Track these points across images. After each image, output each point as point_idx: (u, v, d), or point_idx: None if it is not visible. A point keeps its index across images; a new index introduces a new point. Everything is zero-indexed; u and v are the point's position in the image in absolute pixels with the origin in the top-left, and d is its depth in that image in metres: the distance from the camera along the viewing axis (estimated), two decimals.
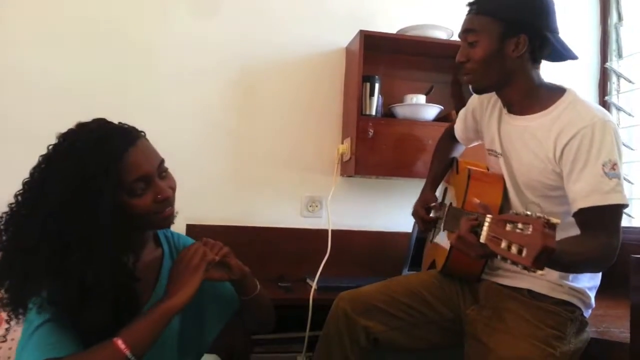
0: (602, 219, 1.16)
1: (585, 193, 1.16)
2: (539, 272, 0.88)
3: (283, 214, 2.16)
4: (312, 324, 1.75)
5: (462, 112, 1.60)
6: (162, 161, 1.05)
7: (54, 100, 1.98)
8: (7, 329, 1.45)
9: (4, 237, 0.96)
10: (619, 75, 2.40)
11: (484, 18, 1.25)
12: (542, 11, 1.26)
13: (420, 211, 1.55)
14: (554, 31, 1.29)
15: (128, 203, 0.98)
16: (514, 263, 0.90)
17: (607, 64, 2.43)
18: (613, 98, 2.40)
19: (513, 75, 1.28)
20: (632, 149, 2.27)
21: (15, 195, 0.98)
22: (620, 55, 2.42)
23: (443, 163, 1.66)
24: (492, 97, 1.42)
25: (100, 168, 0.93)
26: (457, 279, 1.43)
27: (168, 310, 0.99)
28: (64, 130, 1.05)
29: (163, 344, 1.07)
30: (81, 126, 1.02)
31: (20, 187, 0.98)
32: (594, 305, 1.33)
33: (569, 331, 1.25)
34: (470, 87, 1.36)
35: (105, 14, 2.05)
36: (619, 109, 2.37)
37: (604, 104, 2.42)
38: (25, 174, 1.01)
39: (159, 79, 2.08)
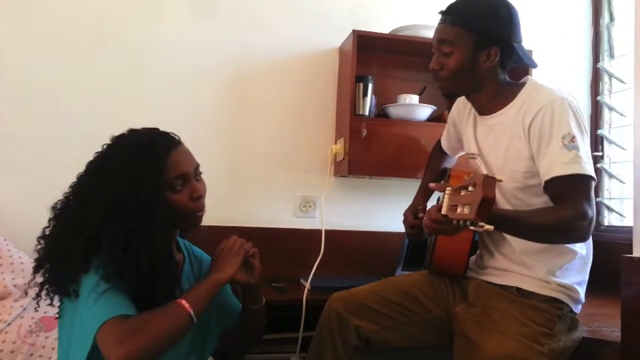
0: (567, 189, 1.20)
1: (549, 166, 1.22)
2: (486, 226, 0.93)
3: (276, 214, 2.16)
4: (305, 324, 1.75)
5: (446, 124, 1.65)
6: (198, 165, 1.19)
7: (48, 101, 1.97)
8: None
9: (56, 222, 1.10)
10: (610, 75, 2.41)
11: (459, 29, 1.30)
12: (511, 23, 1.32)
13: (409, 217, 1.56)
14: (520, 41, 1.35)
15: (169, 198, 1.10)
16: (464, 222, 0.96)
17: (599, 64, 2.44)
18: (605, 98, 2.41)
19: (483, 82, 1.35)
20: (623, 149, 2.29)
21: (72, 187, 1.12)
22: (612, 56, 2.43)
23: (434, 173, 1.68)
24: (467, 104, 1.46)
25: (149, 166, 1.07)
26: (447, 278, 1.44)
27: (218, 281, 1.12)
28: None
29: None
30: (132, 131, 1.17)
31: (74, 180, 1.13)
32: (583, 300, 1.35)
33: (557, 328, 1.26)
34: (441, 92, 1.42)
35: (98, 15, 2.04)
36: (610, 108, 2.39)
37: (596, 103, 2.43)
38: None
39: (153, 79, 2.07)
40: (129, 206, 1.04)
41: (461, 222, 0.97)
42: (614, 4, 2.43)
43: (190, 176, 1.15)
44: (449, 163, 1.72)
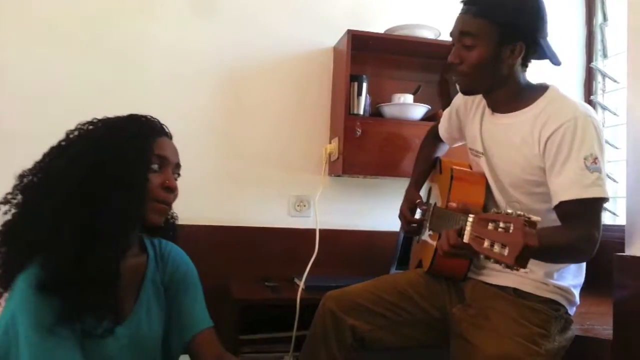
0: (582, 211, 1.17)
1: (566, 186, 1.18)
2: (522, 270, 0.89)
3: (271, 213, 2.16)
4: (299, 323, 1.74)
5: (446, 111, 1.61)
6: (179, 165, 1.13)
7: (42, 101, 1.96)
8: None
9: (20, 197, 1.02)
10: (604, 75, 2.42)
11: (483, 21, 1.22)
12: (538, 18, 1.26)
13: (406, 213, 1.55)
14: (546, 36, 1.29)
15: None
16: (497, 262, 0.90)
17: (593, 64, 2.45)
18: (598, 97, 2.42)
19: (503, 80, 1.29)
20: (617, 148, 2.30)
21: (38, 163, 1.06)
22: (605, 55, 2.44)
23: (427, 162, 1.66)
24: (477, 97, 1.42)
25: (137, 138, 1.04)
26: (443, 278, 1.43)
27: None
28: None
29: (145, 348, 1.08)
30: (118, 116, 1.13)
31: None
32: (578, 302, 1.35)
33: (553, 329, 1.26)
34: (458, 87, 1.35)
35: (91, 14, 2.03)
36: (604, 108, 2.39)
37: (590, 103, 2.44)
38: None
39: (146, 79, 2.06)
40: (108, 176, 0.98)
41: (492, 260, 0.92)
42: (607, 3, 2.44)
43: (170, 165, 1.09)
44: (441, 152, 1.70)
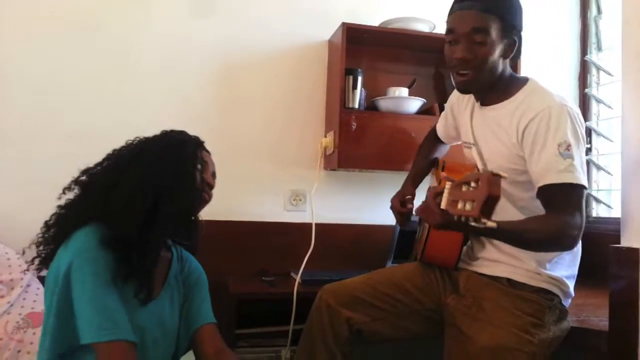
0: (560, 197, 1.19)
1: (542, 172, 1.21)
2: (489, 223, 0.92)
3: (266, 208, 2.15)
4: (296, 317, 1.75)
5: (444, 111, 1.64)
6: (215, 174, 1.34)
7: (33, 95, 1.95)
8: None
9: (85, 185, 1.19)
10: (598, 68, 2.43)
11: (491, 17, 1.24)
12: (521, 14, 1.31)
13: (396, 204, 1.56)
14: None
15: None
16: (467, 219, 0.94)
17: (587, 57, 2.46)
18: (593, 90, 2.43)
19: (497, 75, 1.31)
20: (611, 141, 2.31)
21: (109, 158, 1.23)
22: (599, 48, 2.45)
23: (426, 161, 1.68)
24: None
25: (187, 146, 1.26)
26: (438, 269, 1.45)
27: None
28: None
29: (165, 335, 1.22)
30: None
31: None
32: (573, 294, 1.36)
33: (547, 319, 1.27)
34: (458, 85, 1.33)
35: (84, 8, 2.01)
36: (598, 101, 2.40)
37: (584, 96, 2.45)
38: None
39: (139, 73, 2.05)
40: (162, 168, 1.17)
41: (462, 219, 0.95)
42: None
43: (209, 169, 1.29)
44: (440, 153, 1.72)
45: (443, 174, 1.12)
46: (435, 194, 1.07)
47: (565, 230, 1.17)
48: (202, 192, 1.25)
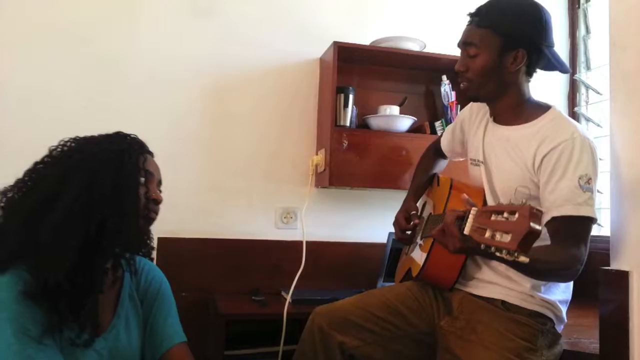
0: (572, 230, 1.19)
1: (559, 203, 1.20)
2: (522, 258, 0.88)
3: (257, 225, 2.14)
4: (286, 337, 1.73)
5: (450, 125, 1.64)
6: (161, 181, 1.17)
7: (20, 106, 1.93)
8: None
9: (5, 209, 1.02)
10: (587, 87, 2.46)
11: (485, 31, 1.29)
12: (540, 26, 1.30)
13: (401, 220, 1.55)
14: (550, 45, 1.33)
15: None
16: (498, 249, 0.90)
17: (576, 76, 2.48)
18: (582, 109, 2.45)
19: (508, 87, 1.33)
20: (600, 159, 2.32)
21: (30, 173, 1.07)
22: (588, 67, 2.47)
23: (426, 175, 1.67)
24: (483, 108, 1.45)
25: (127, 154, 1.07)
26: (431, 290, 1.43)
27: None
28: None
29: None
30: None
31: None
32: (565, 320, 1.35)
33: (540, 343, 1.26)
34: (462, 93, 1.39)
35: (73, 20, 2.00)
36: (587, 119, 2.42)
37: (573, 115, 2.47)
38: None
39: (130, 88, 2.04)
40: (99, 196, 0.99)
41: (493, 249, 0.91)
42: (590, 16, 2.48)
43: (154, 179, 1.13)
44: (439, 168, 1.71)
45: (464, 196, 1.08)
46: (455, 218, 1.05)
47: (570, 263, 1.17)
48: (147, 213, 1.09)
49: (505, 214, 0.90)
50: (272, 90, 2.19)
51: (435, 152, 1.70)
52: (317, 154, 2.15)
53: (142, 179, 1.08)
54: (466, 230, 0.99)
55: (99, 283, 1.01)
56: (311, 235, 2.08)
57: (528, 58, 1.29)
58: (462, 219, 1.03)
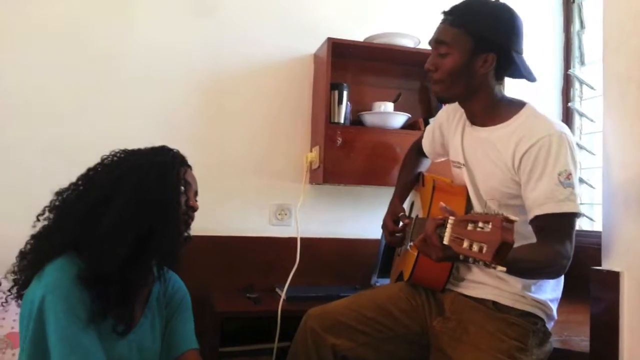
0: (556, 226, 1.20)
1: (541, 201, 1.21)
2: (499, 268, 0.90)
3: (251, 222, 2.14)
4: (281, 334, 1.74)
5: (429, 127, 1.63)
6: (197, 192, 1.29)
7: (14, 105, 1.91)
8: None
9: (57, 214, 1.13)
10: (581, 82, 2.46)
11: (457, 31, 1.28)
12: (512, 32, 1.30)
13: (389, 223, 1.56)
14: (520, 52, 1.33)
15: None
16: (476, 261, 0.92)
17: (570, 71, 2.48)
18: (576, 104, 2.45)
19: (478, 89, 1.32)
20: (593, 154, 2.33)
21: (84, 180, 1.16)
22: (582, 62, 2.47)
23: (410, 176, 1.68)
24: (459, 110, 1.45)
25: (171, 166, 1.19)
26: (423, 291, 1.44)
27: None
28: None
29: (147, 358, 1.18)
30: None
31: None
32: (556, 317, 1.36)
33: (531, 343, 1.28)
34: (433, 94, 1.39)
35: (67, 18, 1.98)
36: (581, 115, 2.43)
37: (567, 110, 2.47)
38: None
39: (123, 85, 2.02)
40: (148, 203, 1.10)
41: (471, 260, 0.93)
42: (585, 11, 2.47)
43: (192, 188, 1.25)
44: (424, 167, 1.72)
45: (442, 204, 1.09)
46: (435, 226, 1.06)
47: (557, 260, 1.18)
48: (187, 219, 1.21)
49: (480, 224, 0.92)
50: (267, 86, 2.17)
51: (418, 152, 1.70)
52: (311, 151, 2.14)
53: (183, 188, 1.20)
54: (445, 240, 1.01)
55: (143, 278, 1.15)
56: (306, 231, 2.09)
57: (497, 62, 1.29)
58: (442, 226, 1.04)
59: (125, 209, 1.08)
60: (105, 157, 1.20)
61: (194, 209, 1.24)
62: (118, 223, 1.07)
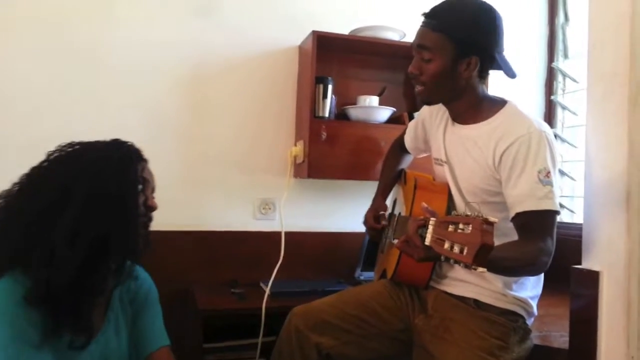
0: (537, 223, 1.22)
1: (521, 198, 1.22)
2: (480, 269, 0.91)
3: (235, 216, 2.13)
4: (265, 329, 1.74)
5: (412, 123, 1.63)
6: (154, 189, 1.19)
7: (8, 101, 1.87)
8: None
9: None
10: (564, 75, 2.47)
11: (440, 36, 1.27)
12: (494, 34, 1.30)
13: (370, 220, 1.56)
14: (502, 51, 1.33)
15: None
16: (457, 262, 0.93)
17: (554, 64, 2.49)
18: (559, 97, 2.47)
19: (462, 91, 1.33)
20: (575, 147, 2.36)
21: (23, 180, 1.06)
22: (566, 55, 2.48)
23: (392, 172, 1.68)
24: (441, 108, 1.45)
25: (123, 162, 1.09)
26: (406, 288, 1.45)
27: None
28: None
29: None
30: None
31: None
32: (536, 313, 1.39)
33: (512, 340, 1.30)
34: (417, 96, 1.39)
35: (49, 12, 1.92)
36: (564, 107, 2.45)
37: (550, 103, 2.49)
38: None
39: (106, 79, 1.98)
40: (105, 203, 1.02)
41: (452, 261, 0.94)
42: (569, 4, 2.48)
43: (149, 185, 1.16)
44: (406, 163, 1.73)
45: (424, 205, 1.10)
46: (417, 227, 1.07)
47: (538, 257, 1.19)
48: (146, 221, 1.13)
49: (461, 225, 0.93)
50: (251, 79, 2.15)
51: (400, 148, 1.70)
52: (295, 145, 2.13)
53: (140, 187, 1.11)
54: (427, 241, 1.02)
55: (101, 284, 1.05)
56: (290, 226, 2.08)
57: (480, 64, 1.29)
58: (424, 227, 1.05)
59: (80, 214, 0.99)
60: (51, 152, 1.08)
61: (153, 208, 1.15)
62: (72, 230, 0.98)
